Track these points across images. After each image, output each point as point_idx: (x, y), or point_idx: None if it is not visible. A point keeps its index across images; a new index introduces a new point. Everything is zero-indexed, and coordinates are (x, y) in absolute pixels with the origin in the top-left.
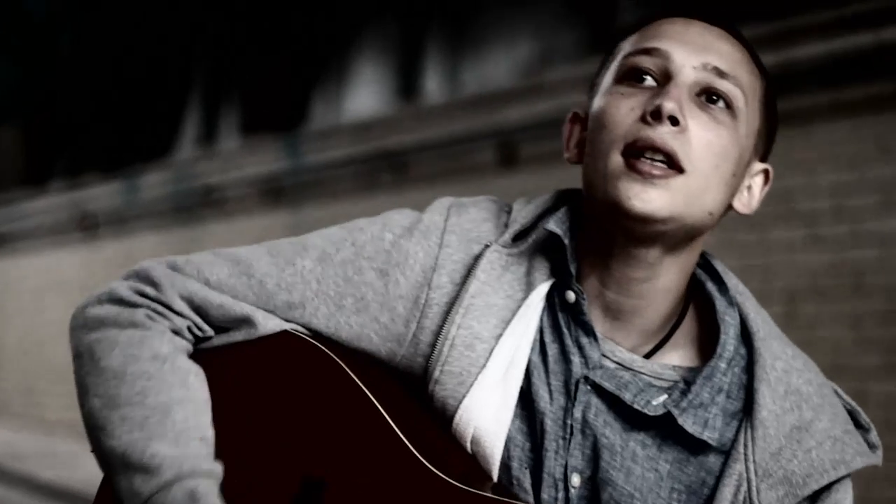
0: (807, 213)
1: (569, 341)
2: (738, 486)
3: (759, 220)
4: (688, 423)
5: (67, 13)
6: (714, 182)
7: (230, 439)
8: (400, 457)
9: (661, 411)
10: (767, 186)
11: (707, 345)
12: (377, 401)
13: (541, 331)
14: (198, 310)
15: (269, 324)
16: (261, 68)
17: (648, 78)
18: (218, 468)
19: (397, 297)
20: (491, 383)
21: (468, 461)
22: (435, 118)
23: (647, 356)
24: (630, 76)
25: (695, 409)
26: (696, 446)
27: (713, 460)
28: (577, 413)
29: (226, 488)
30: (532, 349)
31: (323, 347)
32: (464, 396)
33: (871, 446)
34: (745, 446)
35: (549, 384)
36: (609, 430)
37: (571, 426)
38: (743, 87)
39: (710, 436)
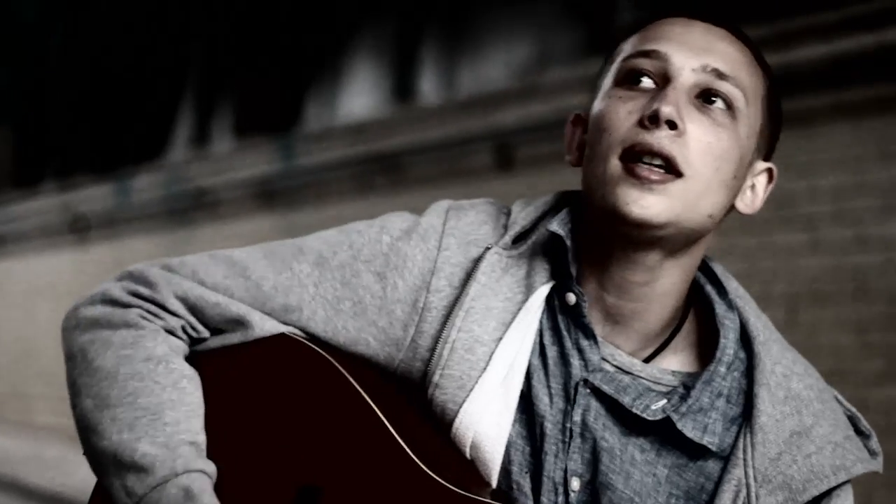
0: (808, 217)
1: (568, 344)
2: (737, 491)
3: (759, 224)
4: (687, 427)
5: (57, 14)
6: (714, 185)
7: (226, 444)
8: (398, 462)
9: (660, 416)
10: (772, 185)
11: (707, 349)
12: (375, 405)
13: (540, 333)
14: (193, 309)
15: (265, 325)
16: (254, 69)
17: (647, 80)
18: (211, 467)
19: (395, 300)
20: (491, 387)
21: (467, 466)
22: (430, 120)
23: (647, 360)
24: (629, 79)
25: (694, 414)
26: (695, 451)
27: (712, 465)
28: (577, 416)
29: (221, 494)
30: (532, 352)
31: (321, 351)
32: (464, 400)
33: (872, 453)
34: (745, 451)
35: (549, 387)
36: (608, 433)
37: (571, 429)
38: (743, 87)
39: (709, 441)
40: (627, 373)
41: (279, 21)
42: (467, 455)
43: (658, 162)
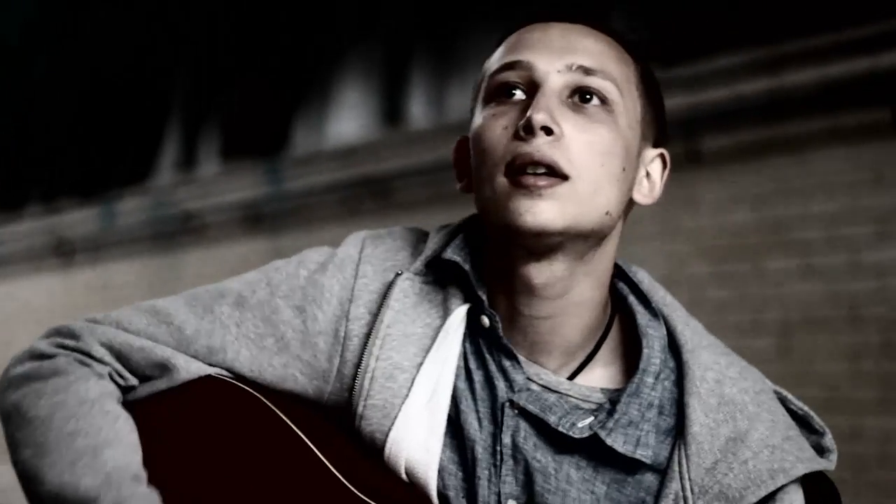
0: (801, 243)
1: (492, 366)
2: None
3: (751, 249)
4: (618, 442)
5: (42, 37)
6: (603, 181)
7: (162, 491)
8: (337, 496)
9: (587, 433)
10: (667, 171)
11: (634, 361)
12: (309, 440)
13: (465, 358)
14: (119, 356)
15: (191, 367)
16: (241, 92)
17: (517, 91)
18: (155, 495)
19: (317, 332)
20: (416, 412)
21: (408, 492)
22: (420, 144)
23: (572, 376)
24: (499, 93)
25: (624, 428)
26: (631, 466)
27: (650, 479)
28: (507, 438)
29: None
30: (458, 376)
31: (249, 390)
32: (389, 429)
33: (824, 450)
34: (680, 464)
35: (477, 411)
36: (540, 453)
37: (501, 452)
38: (614, 78)
39: (643, 454)
40: (554, 391)
41: (267, 43)
42: (405, 479)
43: (542, 170)
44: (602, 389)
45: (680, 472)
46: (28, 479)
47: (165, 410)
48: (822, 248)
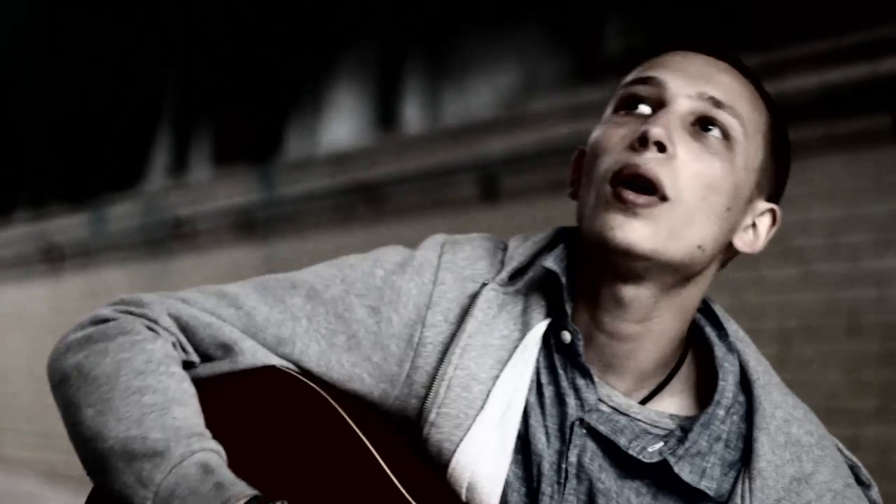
0: (800, 251)
1: (564, 383)
2: None
3: (750, 257)
4: (685, 471)
5: (31, 40)
6: (702, 213)
7: None
8: (391, 500)
9: (656, 458)
10: (775, 228)
11: (705, 392)
12: (370, 443)
13: (537, 371)
14: (185, 329)
15: (257, 353)
16: (233, 96)
17: (644, 106)
18: (222, 449)
19: (390, 335)
20: (489, 426)
21: None
22: (414, 149)
23: (644, 401)
24: (626, 105)
25: (692, 458)
26: (692, 496)
27: None
28: (573, 457)
29: None
30: (529, 390)
31: (314, 385)
32: (461, 440)
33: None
34: (743, 497)
35: (545, 426)
36: (605, 475)
37: (566, 470)
38: (742, 118)
39: (707, 485)
40: (624, 414)
41: (260, 48)
42: (463, 496)
43: (645, 185)
44: (672, 416)
45: None
46: (90, 438)
47: (225, 394)
48: (821, 256)
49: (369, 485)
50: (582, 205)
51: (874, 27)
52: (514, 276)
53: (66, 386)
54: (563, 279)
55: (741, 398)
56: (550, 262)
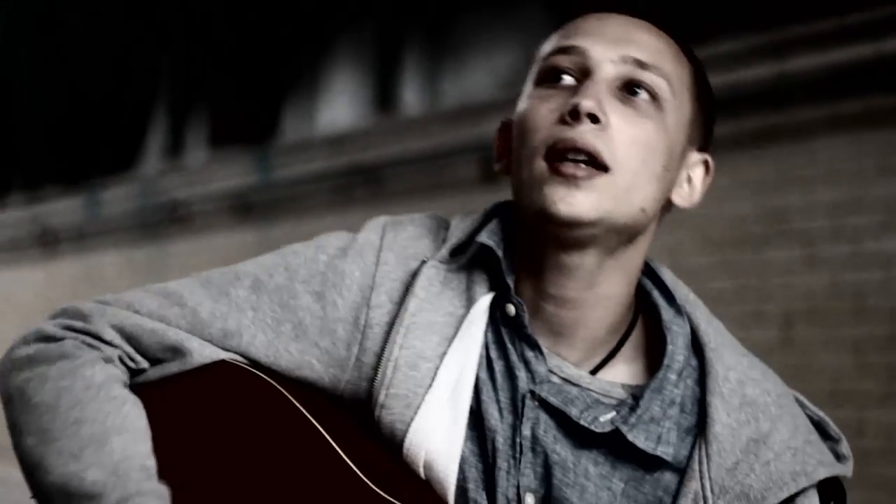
0: (804, 233)
1: (514, 357)
2: None
3: (754, 239)
4: (639, 439)
5: (26, 22)
6: (643, 177)
7: (172, 477)
8: (351, 487)
9: (608, 428)
10: (710, 177)
11: (657, 358)
12: (324, 429)
13: (486, 347)
14: (129, 338)
15: (205, 351)
16: (229, 78)
17: (567, 77)
18: (163, 490)
19: (336, 319)
20: (439, 403)
21: (422, 487)
22: (413, 131)
23: (595, 371)
24: (549, 77)
25: (646, 425)
26: (650, 463)
27: (669, 478)
28: (526, 430)
29: None
30: (479, 366)
31: (264, 376)
32: (412, 419)
33: (840, 457)
34: (700, 463)
35: (497, 401)
36: (559, 446)
37: (521, 444)
38: (668, 76)
39: (664, 451)
40: (575, 384)
41: (256, 28)
42: (421, 475)
43: (582, 157)
44: (623, 385)
45: (700, 471)
46: (32, 466)
47: (176, 394)
48: (825, 238)
49: (327, 472)
50: (517, 181)
51: (878, 6)
52: (456, 252)
53: (10, 407)
54: (500, 252)
55: (693, 362)
56: (485, 237)
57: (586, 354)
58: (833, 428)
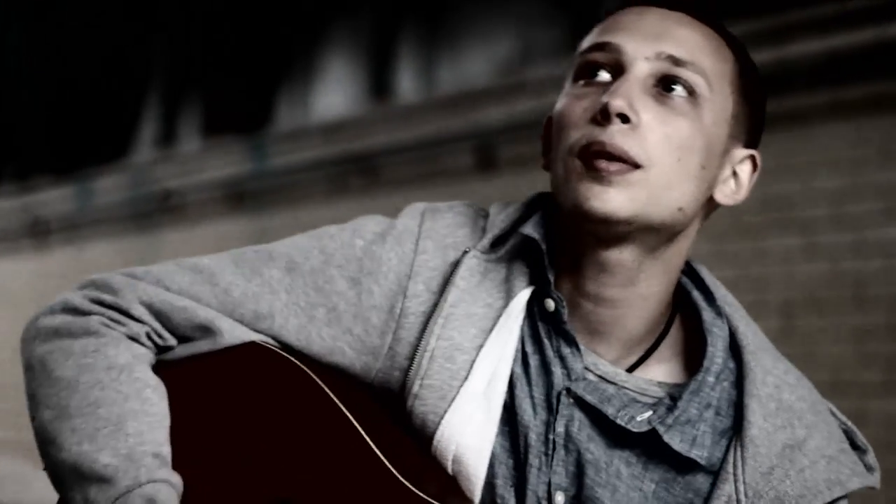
0: (805, 221)
1: (550, 352)
2: None
3: (753, 228)
4: (674, 440)
5: (16, 8)
6: (679, 176)
7: (194, 457)
8: (376, 476)
9: (645, 428)
10: (756, 173)
11: (694, 359)
12: (353, 417)
13: (522, 341)
14: (158, 315)
15: (235, 332)
16: (223, 65)
17: (604, 73)
18: (177, 478)
19: (371, 306)
20: (473, 397)
21: (449, 481)
22: (408, 119)
23: (631, 369)
24: (585, 73)
25: (681, 426)
26: (683, 465)
27: (701, 481)
28: (560, 427)
29: None
30: (514, 360)
31: (294, 360)
32: (445, 411)
33: (868, 468)
34: (735, 466)
35: (532, 397)
36: (593, 445)
37: (554, 441)
38: (705, 72)
39: (698, 454)
40: (611, 383)
41: (250, 15)
42: (449, 469)
43: (614, 159)
44: (660, 384)
45: (734, 475)
46: (47, 441)
47: (204, 373)
48: (826, 226)
49: (353, 460)
50: (554, 178)
51: None
52: (496, 243)
53: (30, 376)
54: (544, 246)
55: (731, 364)
56: (530, 228)
57: (623, 353)
58: (861, 438)
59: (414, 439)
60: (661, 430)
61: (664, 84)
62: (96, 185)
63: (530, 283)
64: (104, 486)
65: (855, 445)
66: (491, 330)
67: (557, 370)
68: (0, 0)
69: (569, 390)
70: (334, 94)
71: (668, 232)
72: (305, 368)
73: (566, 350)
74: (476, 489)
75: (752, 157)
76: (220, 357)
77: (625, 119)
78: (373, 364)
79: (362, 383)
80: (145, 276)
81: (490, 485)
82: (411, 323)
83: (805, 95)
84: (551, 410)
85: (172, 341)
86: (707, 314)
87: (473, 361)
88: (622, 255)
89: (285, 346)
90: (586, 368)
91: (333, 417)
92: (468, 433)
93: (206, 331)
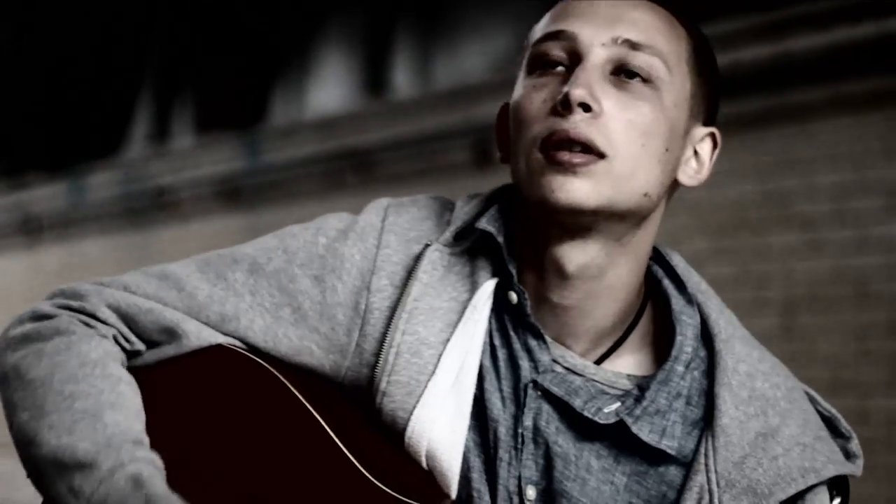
0: (806, 217)
1: (517, 345)
2: (699, 498)
3: (754, 224)
4: (643, 431)
5: (7, 7)
6: (643, 162)
7: (167, 461)
8: (343, 473)
9: (612, 419)
10: (717, 151)
11: (665, 348)
12: (321, 417)
13: (490, 334)
14: (125, 318)
15: (202, 334)
16: (217, 61)
17: (558, 62)
18: (159, 461)
19: (336, 304)
20: (442, 391)
21: (425, 476)
22: (404, 114)
23: (599, 361)
24: (540, 64)
25: (651, 417)
26: (654, 457)
27: (674, 472)
28: (528, 421)
29: None
30: (483, 353)
31: (261, 362)
32: (414, 407)
33: (850, 455)
34: (707, 456)
35: (500, 390)
36: (561, 438)
37: (522, 434)
38: (662, 55)
39: (668, 444)
40: (579, 374)
41: (244, 9)
42: (424, 464)
43: (578, 148)
44: (629, 376)
45: (706, 465)
46: (25, 442)
47: (172, 378)
48: (828, 223)
49: (322, 460)
50: (515, 172)
51: None
52: (460, 236)
53: (5, 386)
54: (500, 239)
55: (702, 353)
56: (484, 222)
57: (592, 344)
58: (844, 425)
59: (386, 438)
60: (629, 421)
61: (622, 70)
62: (89, 182)
63: (494, 275)
64: (87, 471)
65: (838, 433)
66: (457, 323)
67: (525, 363)
68: None
69: (535, 383)
70: (329, 89)
71: (635, 218)
72: (271, 369)
73: (533, 343)
74: (452, 483)
75: (713, 135)
76: (186, 360)
77: (586, 108)
78: (341, 362)
79: (332, 383)
80: (112, 283)
81: (465, 478)
82: (376, 318)
83: (806, 90)
84: (519, 404)
85: (140, 345)
86: (677, 302)
87: (440, 356)
88: (587, 248)
89: (253, 348)
90: (554, 361)
91: (301, 419)
92: (438, 428)
93: (172, 333)
